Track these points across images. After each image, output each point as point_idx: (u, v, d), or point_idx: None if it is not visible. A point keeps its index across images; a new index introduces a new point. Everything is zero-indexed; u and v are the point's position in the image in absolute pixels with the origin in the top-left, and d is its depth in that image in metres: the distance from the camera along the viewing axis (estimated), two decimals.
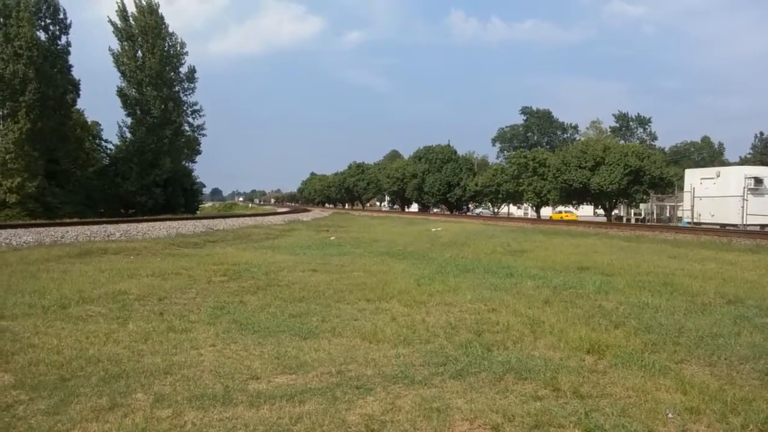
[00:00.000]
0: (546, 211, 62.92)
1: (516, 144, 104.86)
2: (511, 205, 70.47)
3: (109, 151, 54.67)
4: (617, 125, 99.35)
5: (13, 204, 38.89)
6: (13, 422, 4.03)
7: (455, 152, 75.87)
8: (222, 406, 4.31)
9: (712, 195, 35.97)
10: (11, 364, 5.38)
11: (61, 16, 44.54)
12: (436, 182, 71.46)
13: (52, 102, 41.87)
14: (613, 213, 53.26)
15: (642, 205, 51.65)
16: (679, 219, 41.23)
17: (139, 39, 50.95)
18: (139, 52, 51.11)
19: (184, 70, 54.59)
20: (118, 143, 53.11)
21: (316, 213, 65.95)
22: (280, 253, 16.59)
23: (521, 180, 56.17)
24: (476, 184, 66.13)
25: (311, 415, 4.13)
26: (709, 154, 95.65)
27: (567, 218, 54.90)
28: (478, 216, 62.88)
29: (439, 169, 72.34)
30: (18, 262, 13.01)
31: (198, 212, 60.08)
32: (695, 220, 36.55)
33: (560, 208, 61.87)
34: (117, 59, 50.88)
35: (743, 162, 77.45)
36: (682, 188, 40.92)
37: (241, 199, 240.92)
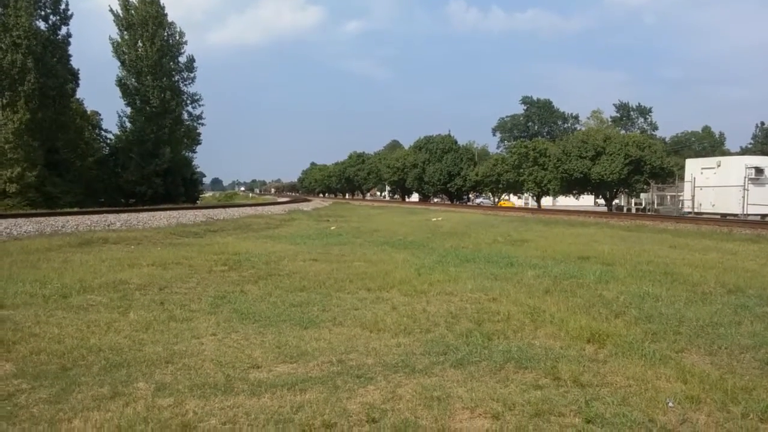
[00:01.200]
0: (547, 201, 62.96)
1: (516, 134, 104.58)
2: (512, 195, 70.43)
3: (108, 141, 54.66)
4: (618, 115, 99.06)
5: (14, 194, 38.88)
6: (15, 411, 4.04)
7: (456, 142, 75.69)
8: (223, 395, 4.32)
9: (712, 185, 35.89)
10: (13, 354, 5.39)
11: (63, 6, 44.35)
12: (437, 172, 71.35)
13: (52, 92, 41.75)
14: (613, 203, 53.21)
15: (642, 195, 51.59)
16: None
17: (139, 28, 50.76)
18: (139, 41, 50.95)
19: (183, 59, 54.52)
20: (118, 133, 53.12)
21: (316, 203, 65.93)
22: (280, 243, 16.60)
23: (522, 170, 56.03)
24: (477, 174, 66.03)
25: (312, 404, 4.14)
26: (709, 144, 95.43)
27: (505, 205, 62.32)
28: (479, 206, 62.91)
29: (439, 159, 72.19)
30: (19, 251, 13.01)
31: (198, 202, 60.07)
32: (696, 210, 36.51)
33: (505, 196, 70.36)
34: (117, 49, 50.75)
35: (744, 152, 77.34)
36: (682, 178, 40.85)
37: (242, 188, 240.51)
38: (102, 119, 56.68)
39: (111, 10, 50.69)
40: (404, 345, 5.75)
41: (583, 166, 46.80)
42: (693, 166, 38.56)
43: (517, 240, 17.22)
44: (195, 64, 55.09)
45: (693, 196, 37.16)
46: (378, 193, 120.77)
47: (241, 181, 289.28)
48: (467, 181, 69.16)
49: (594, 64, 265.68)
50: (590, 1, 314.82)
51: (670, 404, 4.16)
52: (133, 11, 50.80)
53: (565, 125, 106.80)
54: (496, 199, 73.45)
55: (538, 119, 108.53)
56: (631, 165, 45.16)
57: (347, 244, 16.48)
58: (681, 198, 40.17)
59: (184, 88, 55.02)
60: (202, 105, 56.88)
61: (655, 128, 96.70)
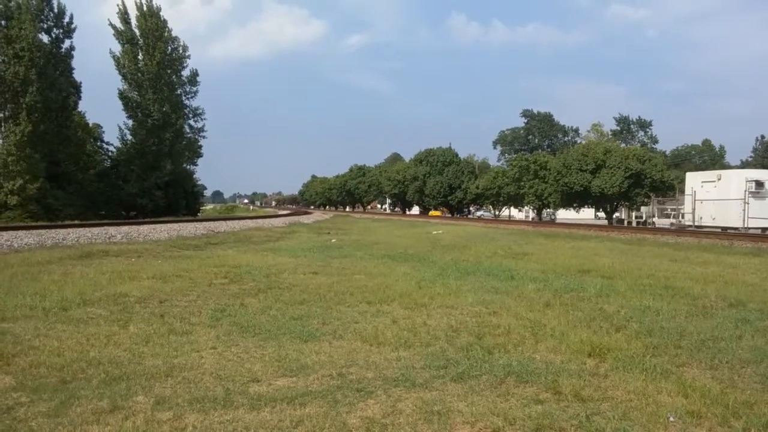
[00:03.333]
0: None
1: (517, 147, 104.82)
2: (512, 208, 70.48)
3: (110, 154, 54.81)
4: (618, 128, 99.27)
5: (15, 206, 38.89)
6: (13, 424, 4.03)
7: (456, 155, 75.91)
8: (223, 409, 4.31)
9: (713, 198, 35.88)
10: (12, 366, 5.38)
11: (66, 20, 44.64)
12: (437, 185, 71.48)
13: (55, 105, 41.92)
14: (614, 216, 53.22)
15: (643, 208, 51.61)
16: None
17: (140, 42, 51.10)
18: (140, 54, 51.22)
19: (186, 73, 54.72)
20: (119, 145, 53.28)
21: (317, 215, 65.93)
22: (281, 256, 16.58)
23: (522, 183, 56.14)
24: (477, 187, 66.13)
25: (312, 418, 4.12)
26: (710, 157, 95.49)
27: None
28: (479, 219, 62.91)
29: (440, 172, 72.37)
30: (19, 264, 13.01)
31: (199, 214, 60.17)
32: (696, 224, 36.48)
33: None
34: (118, 62, 51.01)
35: (744, 165, 77.53)
36: (683, 191, 40.87)
37: (245, 201, 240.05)
38: (104, 131, 57.05)
39: (111, 24, 51.10)
40: (404, 359, 5.74)
41: (584, 179, 46.87)
42: (693, 180, 38.58)
43: (518, 253, 17.21)
44: (198, 78, 55.40)
45: (693, 210, 37.16)
46: (379, 206, 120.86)
47: (242, 193, 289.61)
48: (468, 194, 69.26)
49: (594, 78, 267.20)
50: (591, 15, 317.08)
51: (672, 419, 4.14)
52: (135, 23, 51.15)
53: (566, 138, 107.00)
54: (497, 212, 73.50)
55: (539, 132, 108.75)
56: (632, 178, 45.23)
57: (348, 257, 16.47)
58: (681, 211, 40.14)
59: (187, 102, 55.29)
60: (204, 119, 57.15)
61: (656, 141, 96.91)
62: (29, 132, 39.29)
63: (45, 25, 43.56)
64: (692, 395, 4.57)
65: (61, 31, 44.60)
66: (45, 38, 43.30)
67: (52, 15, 43.95)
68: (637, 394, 4.65)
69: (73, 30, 45.18)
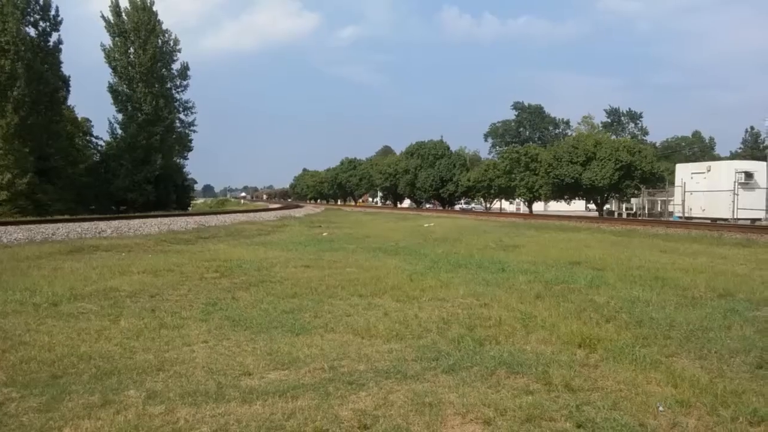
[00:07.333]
0: (539, 206, 63.20)
1: (508, 139, 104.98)
2: (503, 200, 70.58)
3: (99, 148, 54.41)
4: (609, 120, 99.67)
5: (4, 201, 38.59)
6: (4, 420, 4.02)
7: (448, 148, 75.84)
8: (214, 402, 4.31)
9: (702, 189, 36.11)
10: (2, 362, 5.35)
11: (53, 12, 44.12)
12: (429, 178, 71.44)
13: (43, 99, 41.54)
14: (604, 208, 53.42)
15: (633, 200, 51.83)
16: (671, 214, 41.42)
17: (132, 35, 50.66)
18: (131, 48, 50.83)
19: (177, 66, 54.37)
20: (109, 140, 52.90)
21: (308, 209, 65.77)
22: (272, 249, 16.55)
23: (513, 175, 56.23)
24: (468, 180, 66.16)
25: (304, 411, 4.13)
26: (700, 149, 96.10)
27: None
28: (470, 211, 62.98)
29: (431, 165, 72.31)
30: (8, 259, 12.93)
31: (190, 208, 59.94)
32: (686, 215, 36.70)
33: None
34: (108, 55, 50.60)
35: (734, 156, 77.97)
36: (673, 183, 41.08)
37: (242, 194, 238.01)
38: (93, 126, 56.51)
39: (102, 17, 50.68)
40: (396, 351, 5.76)
41: (574, 171, 46.97)
42: (683, 171, 38.80)
43: (509, 245, 17.26)
44: (188, 72, 55.06)
45: (683, 201, 37.37)
46: (370, 199, 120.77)
47: (233, 187, 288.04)
48: (459, 187, 69.29)
49: (585, 70, 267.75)
50: (583, 8, 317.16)
51: (661, 408, 4.18)
52: (125, 18, 50.71)
53: (557, 131, 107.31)
54: (488, 205, 73.64)
55: (530, 125, 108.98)
56: (622, 170, 45.35)
57: (339, 250, 16.46)
58: (671, 201, 40.39)
59: (177, 96, 54.96)
60: (195, 113, 56.86)
61: (646, 133, 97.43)
62: (16, 125, 38.92)
63: (31, 18, 43.03)
64: (681, 385, 4.61)
65: (48, 24, 44.01)
66: (32, 31, 42.84)
67: (38, 8, 43.39)
68: (626, 384, 4.69)
69: (60, 23, 44.58)
